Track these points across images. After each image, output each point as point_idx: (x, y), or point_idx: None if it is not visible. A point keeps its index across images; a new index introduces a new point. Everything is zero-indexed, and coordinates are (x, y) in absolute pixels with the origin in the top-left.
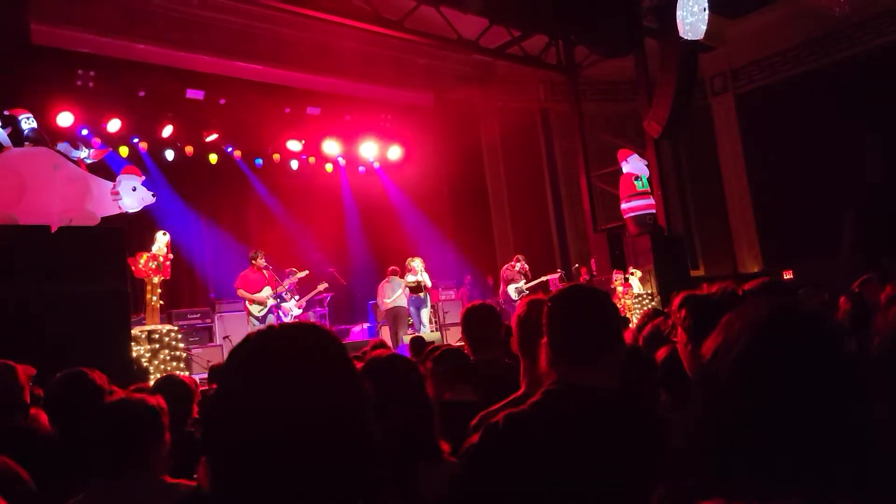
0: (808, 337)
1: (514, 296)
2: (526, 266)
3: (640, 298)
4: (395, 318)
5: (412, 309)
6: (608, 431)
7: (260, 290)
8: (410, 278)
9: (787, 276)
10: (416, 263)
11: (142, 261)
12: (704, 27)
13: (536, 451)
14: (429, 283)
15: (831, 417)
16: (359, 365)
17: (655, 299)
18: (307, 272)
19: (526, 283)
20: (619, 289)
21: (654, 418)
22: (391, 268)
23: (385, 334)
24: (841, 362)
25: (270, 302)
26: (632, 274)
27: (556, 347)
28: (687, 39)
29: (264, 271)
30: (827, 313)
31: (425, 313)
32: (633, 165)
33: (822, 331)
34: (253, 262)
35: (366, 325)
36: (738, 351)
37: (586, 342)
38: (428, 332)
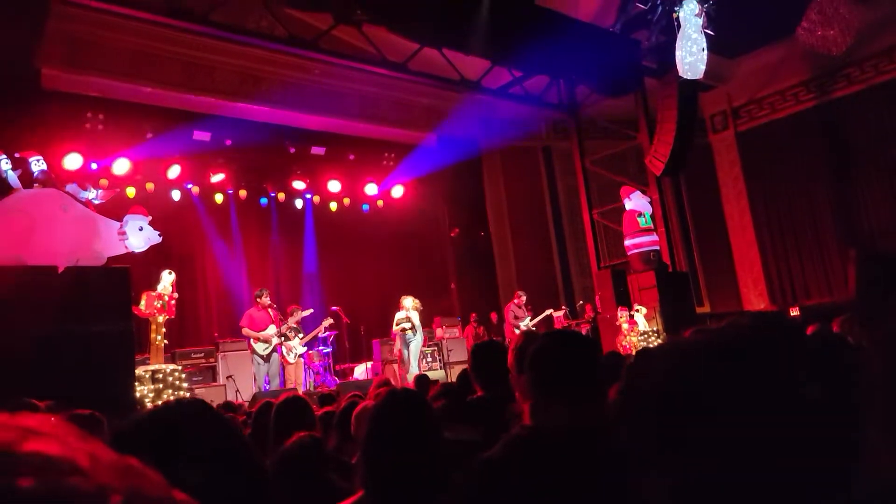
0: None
1: (518, 332)
2: (524, 300)
3: (645, 335)
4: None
5: (402, 348)
6: (578, 474)
7: (265, 329)
8: (400, 315)
9: (794, 313)
10: (408, 302)
11: (145, 300)
12: (703, 67)
13: (506, 495)
14: (418, 322)
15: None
16: (364, 403)
17: (661, 336)
18: (311, 311)
19: (531, 320)
20: (625, 326)
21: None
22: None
23: (389, 372)
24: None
25: (275, 340)
26: (637, 311)
27: (536, 386)
28: (687, 79)
29: (269, 310)
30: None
31: (415, 353)
32: (636, 202)
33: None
34: (258, 300)
35: (369, 364)
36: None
37: (565, 382)
38: (411, 371)
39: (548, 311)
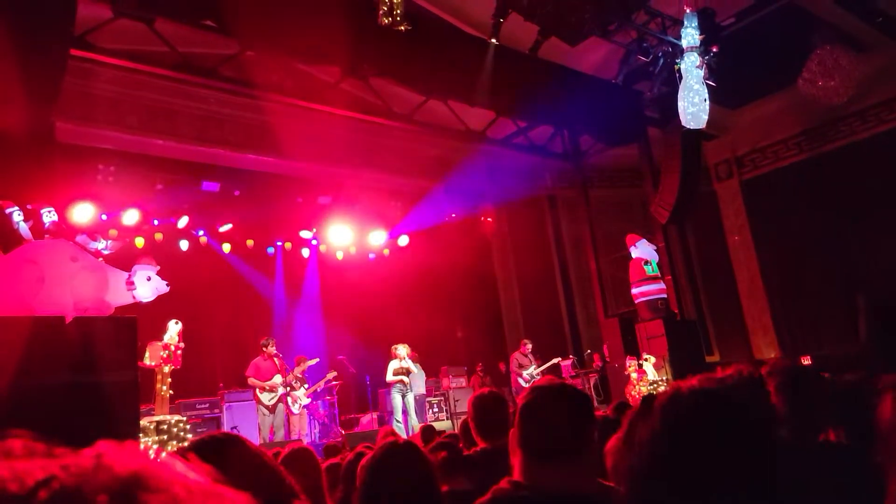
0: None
1: (524, 384)
2: (530, 349)
3: (655, 385)
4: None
5: (397, 397)
6: None
7: (270, 378)
8: (395, 365)
9: (805, 361)
10: (401, 350)
11: (150, 352)
12: (706, 117)
13: None
14: (414, 370)
15: None
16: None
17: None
18: (317, 360)
19: (537, 368)
20: (634, 375)
21: None
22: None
23: (402, 420)
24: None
25: (281, 390)
26: (646, 360)
27: (524, 444)
28: (690, 129)
29: (275, 359)
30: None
31: (410, 403)
32: (643, 250)
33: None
34: (264, 349)
35: (375, 414)
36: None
37: (551, 442)
38: (412, 422)
39: (555, 360)
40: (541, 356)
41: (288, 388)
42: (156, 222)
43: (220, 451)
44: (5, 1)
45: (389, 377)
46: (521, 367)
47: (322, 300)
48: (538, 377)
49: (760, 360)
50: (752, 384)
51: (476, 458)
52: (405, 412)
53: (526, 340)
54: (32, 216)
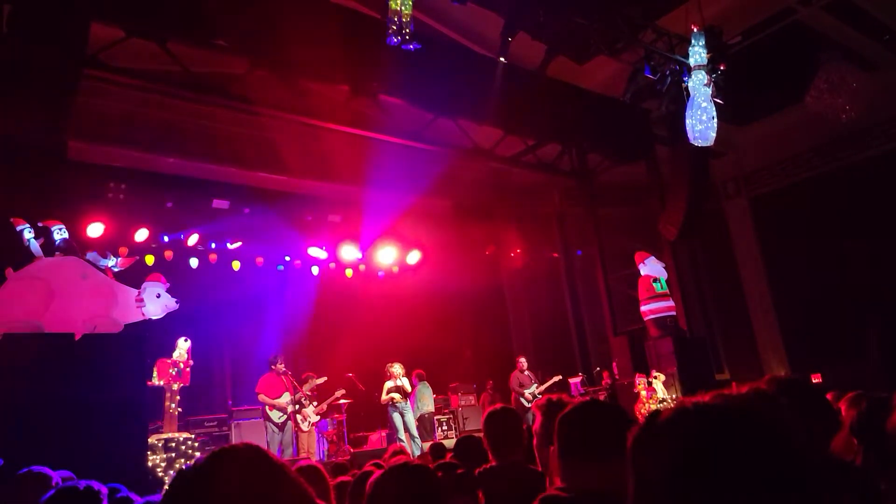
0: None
1: (526, 403)
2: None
3: (664, 403)
4: (422, 424)
5: (395, 416)
6: None
7: (280, 396)
8: (389, 384)
9: (816, 379)
10: (396, 368)
11: (158, 369)
12: (713, 135)
13: None
14: (408, 389)
15: None
16: (379, 472)
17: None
18: (325, 378)
19: (539, 387)
20: (643, 393)
21: None
22: (416, 371)
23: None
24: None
25: (290, 409)
26: (655, 377)
27: (567, 449)
28: (697, 146)
29: (283, 377)
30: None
31: (411, 421)
32: (651, 268)
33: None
34: (273, 366)
35: (384, 433)
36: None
37: (598, 442)
38: (415, 440)
39: (556, 378)
40: (541, 373)
41: (297, 406)
42: (166, 239)
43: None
44: (21, 21)
45: (384, 397)
46: (522, 385)
47: (331, 318)
48: (539, 397)
49: (776, 376)
50: (768, 400)
51: (496, 471)
52: (407, 430)
53: (521, 358)
54: (43, 234)
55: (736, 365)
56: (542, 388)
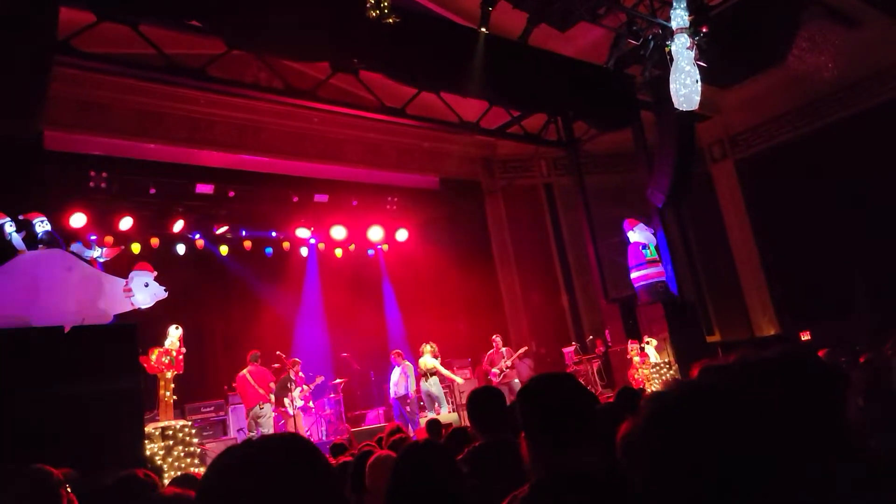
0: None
1: (494, 380)
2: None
3: (657, 367)
4: (401, 404)
5: (424, 395)
6: None
7: (266, 384)
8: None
9: (805, 337)
10: (428, 348)
11: (154, 356)
12: (698, 98)
13: None
14: (440, 369)
15: None
16: (378, 453)
17: (673, 368)
18: (322, 378)
19: (507, 360)
20: (636, 359)
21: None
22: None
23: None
24: None
25: (268, 407)
26: (647, 343)
27: (537, 436)
28: (682, 111)
29: (265, 368)
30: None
31: (441, 397)
32: (640, 234)
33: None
34: (256, 361)
35: (381, 410)
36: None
37: (566, 426)
38: (445, 414)
39: (522, 349)
40: (546, 345)
41: (287, 392)
42: (151, 227)
43: None
44: None
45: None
46: (492, 363)
47: (322, 298)
48: (508, 370)
49: (762, 337)
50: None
51: (482, 450)
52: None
53: (495, 336)
54: (24, 227)
55: (726, 326)
56: (510, 360)
